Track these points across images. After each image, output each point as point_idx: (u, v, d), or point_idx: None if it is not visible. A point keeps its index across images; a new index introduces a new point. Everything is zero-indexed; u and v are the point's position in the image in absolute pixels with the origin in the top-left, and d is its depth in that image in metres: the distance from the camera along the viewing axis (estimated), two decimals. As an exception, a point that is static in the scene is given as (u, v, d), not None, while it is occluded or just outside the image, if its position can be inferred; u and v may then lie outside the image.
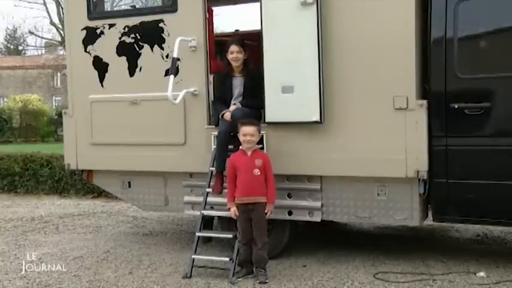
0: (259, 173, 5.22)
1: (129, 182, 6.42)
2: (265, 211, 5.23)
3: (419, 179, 5.16)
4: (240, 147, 5.33)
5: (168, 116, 5.94)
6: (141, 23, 6.12)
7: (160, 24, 6.01)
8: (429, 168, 5.13)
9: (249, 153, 5.27)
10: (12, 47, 51.43)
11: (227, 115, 5.55)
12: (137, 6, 6.55)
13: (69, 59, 6.70)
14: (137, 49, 6.13)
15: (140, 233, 7.31)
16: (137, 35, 6.13)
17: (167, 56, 5.95)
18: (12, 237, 7.30)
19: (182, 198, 6.05)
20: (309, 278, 5.22)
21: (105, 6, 6.79)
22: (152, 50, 6.07)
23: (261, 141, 5.50)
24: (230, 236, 5.52)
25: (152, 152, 6.08)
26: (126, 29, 6.17)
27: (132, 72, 6.13)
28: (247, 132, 5.22)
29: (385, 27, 5.15)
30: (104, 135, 6.30)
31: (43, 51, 40.66)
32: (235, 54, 5.66)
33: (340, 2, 5.29)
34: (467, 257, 5.70)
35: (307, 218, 5.65)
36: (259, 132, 5.34)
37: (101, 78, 6.35)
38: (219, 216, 5.90)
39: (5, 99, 36.44)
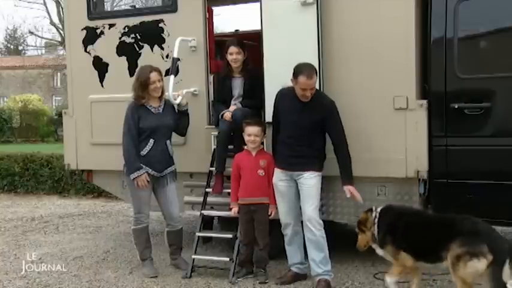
0: (263, 174, 5.20)
1: (129, 182, 6.41)
2: (268, 212, 5.22)
3: (419, 179, 5.17)
4: (245, 147, 5.32)
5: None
6: (141, 23, 6.13)
7: (160, 24, 6.01)
8: (429, 168, 5.13)
9: (253, 153, 5.25)
10: (12, 47, 51.33)
11: (227, 115, 5.54)
12: (137, 6, 6.54)
13: (69, 59, 6.71)
14: (137, 49, 6.14)
15: (140, 233, 7.31)
16: (137, 35, 6.14)
17: (167, 56, 5.96)
18: (12, 237, 7.30)
19: (182, 198, 6.04)
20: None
21: (105, 6, 6.79)
22: (152, 50, 6.08)
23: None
24: (230, 236, 5.51)
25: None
26: (126, 29, 6.18)
27: (132, 72, 6.11)
28: (251, 133, 5.20)
29: (385, 27, 5.15)
30: (104, 135, 6.30)
31: (43, 51, 40.64)
32: (234, 55, 5.63)
33: (340, 2, 5.29)
34: (467, 257, 5.68)
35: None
36: (264, 133, 5.31)
37: (101, 78, 6.36)
38: (219, 216, 5.90)
39: (5, 99, 36.43)
